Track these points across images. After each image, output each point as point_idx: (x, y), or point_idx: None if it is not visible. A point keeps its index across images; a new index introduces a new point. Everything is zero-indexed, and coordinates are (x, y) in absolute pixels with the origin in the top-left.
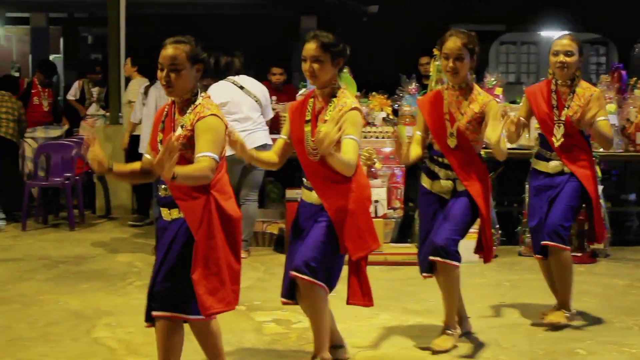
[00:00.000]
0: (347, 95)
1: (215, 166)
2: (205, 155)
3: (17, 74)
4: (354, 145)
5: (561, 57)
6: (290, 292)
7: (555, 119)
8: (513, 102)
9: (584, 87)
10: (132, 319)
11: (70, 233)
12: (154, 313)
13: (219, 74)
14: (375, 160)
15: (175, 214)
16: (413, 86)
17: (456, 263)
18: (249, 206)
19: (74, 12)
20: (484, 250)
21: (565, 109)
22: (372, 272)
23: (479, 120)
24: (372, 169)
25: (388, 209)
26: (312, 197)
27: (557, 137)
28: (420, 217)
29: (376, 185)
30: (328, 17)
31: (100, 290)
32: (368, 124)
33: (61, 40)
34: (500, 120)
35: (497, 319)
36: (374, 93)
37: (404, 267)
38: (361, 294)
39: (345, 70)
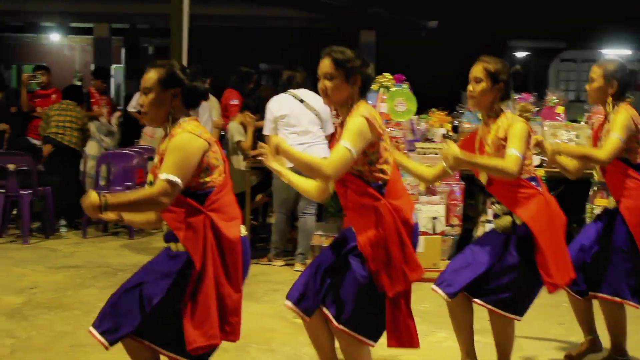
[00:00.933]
0: (353, 113)
1: (171, 190)
2: (160, 179)
3: (79, 83)
4: (341, 151)
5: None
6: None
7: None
8: (574, 120)
9: (615, 112)
10: None
11: (129, 241)
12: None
13: (281, 88)
14: None
15: (181, 247)
16: None
17: None
18: (307, 219)
19: (136, 23)
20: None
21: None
22: (428, 289)
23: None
24: (431, 186)
25: (446, 225)
26: None
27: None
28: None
29: (434, 202)
30: (386, 32)
31: None
32: (427, 140)
33: (123, 50)
34: (522, 140)
35: (555, 343)
36: (433, 109)
37: None
38: (400, 335)
39: (405, 86)
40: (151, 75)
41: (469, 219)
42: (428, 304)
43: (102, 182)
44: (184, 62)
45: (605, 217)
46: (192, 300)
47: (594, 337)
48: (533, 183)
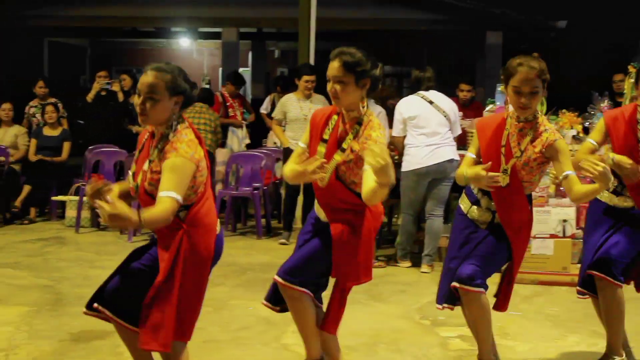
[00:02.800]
0: (374, 126)
1: (177, 208)
2: (167, 196)
3: (207, 87)
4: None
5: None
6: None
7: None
8: None
9: None
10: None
11: (257, 241)
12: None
13: (411, 88)
14: None
15: None
16: (605, 104)
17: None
18: (434, 221)
19: (263, 27)
20: (498, 297)
21: None
22: (558, 292)
23: (540, 162)
24: (561, 188)
25: (576, 228)
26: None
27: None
28: (450, 238)
29: (564, 205)
30: (514, 33)
31: None
32: None
33: (250, 54)
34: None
35: None
36: (564, 110)
37: None
38: (335, 322)
39: None
40: (158, 81)
41: None
42: (558, 307)
43: (231, 183)
44: (312, 63)
45: None
46: (152, 306)
47: None
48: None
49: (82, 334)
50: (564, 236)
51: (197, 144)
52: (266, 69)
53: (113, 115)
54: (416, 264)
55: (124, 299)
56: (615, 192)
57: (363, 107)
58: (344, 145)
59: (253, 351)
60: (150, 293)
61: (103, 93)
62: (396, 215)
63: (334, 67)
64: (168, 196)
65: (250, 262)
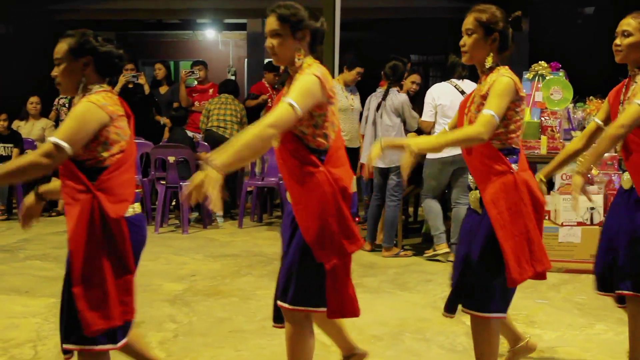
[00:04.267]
0: (312, 67)
1: (55, 153)
2: (48, 141)
3: (232, 77)
4: (284, 108)
5: (617, 40)
6: None
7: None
8: None
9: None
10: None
11: None
12: None
13: (444, 75)
14: (592, 166)
15: None
16: None
17: None
18: (460, 209)
19: None
20: None
21: (625, 101)
22: (586, 280)
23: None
24: (589, 175)
25: (604, 216)
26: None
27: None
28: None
29: (592, 192)
30: (540, 19)
31: None
32: (584, 129)
33: None
34: (502, 98)
35: None
36: (591, 97)
37: None
38: (341, 307)
39: (561, 74)
40: (61, 46)
41: None
42: (585, 295)
43: (257, 172)
44: (336, 54)
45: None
46: (85, 283)
47: None
48: (509, 158)
49: None
50: (592, 224)
51: (116, 102)
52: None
53: (139, 107)
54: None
55: None
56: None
57: (299, 60)
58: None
59: (279, 341)
60: (75, 272)
61: (130, 86)
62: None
63: (269, 22)
64: (48, 140)
65: (276, 252)
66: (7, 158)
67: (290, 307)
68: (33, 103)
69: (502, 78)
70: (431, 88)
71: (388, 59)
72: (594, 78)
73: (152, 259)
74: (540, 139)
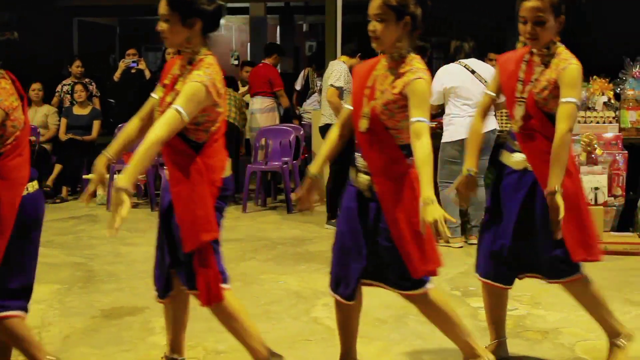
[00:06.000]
0: (201, 65)
1: None
2: None
3: (236, 62)
4: (173, 116)
5: (528, 27)
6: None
7: (517, 95)
8: None
9: (561, 58)
10: None
11: (287, 215)
12: None
13: (449, 58)
14: (595, 146)
15: None
16: (638, 69)
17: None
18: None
19: (290, 1)
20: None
21: (531, 83)
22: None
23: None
24: (593, 155)
25: (608, 196)
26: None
27: (516, 119)
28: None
29: (596, 172)
30: None
31: (317, 271)
32: (588, 108)
33: (278, 28)
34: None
35: None
36: (595, 77)
37: (626, 257)
38: (207, 292)
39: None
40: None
41: (633, 188)
42: (590, 276)
43: (260, 158)
44: (339, 38)
45: None
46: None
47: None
48: (405, 153)
49: (114, 310)
50: (596, 204)
51: (11, 89)
52: (295, 44)
53: (141, 92)
54: None
55: None
56: (510, 148)
57: (188, 48)
58: (177, 87)
59: (283, 324)
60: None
61: (133, 71)
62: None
63: (160, 5)
64: None
65: (281, 236)
66: None
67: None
68: (35, 90)
69: (418, 81)
70: (439, 71)
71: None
72: (599, 56)
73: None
74: None
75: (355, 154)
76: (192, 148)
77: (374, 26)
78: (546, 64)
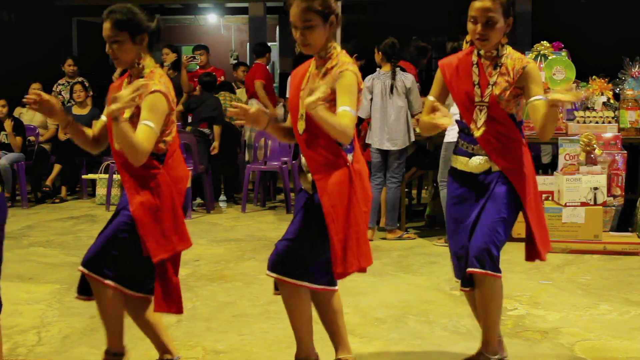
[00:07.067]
0: (155, 79)
1: None
2: None
3: (234, 62)
4: (148, 131)
5: (478, 27)
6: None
7: (477, 99)
8: None
9: (513, 58)
10: (347, 300)
11: (287, 215)
12: None
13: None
14: (595, 146)
15: None
16: (637, 69)
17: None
18: None
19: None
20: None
21: (490, 86)
22: (590, 261)
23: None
24: (592, 155)
25: (608, 196)
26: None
27: (479, 124)
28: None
29: (595, 172)
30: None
31: None
32: (587, 108)
33: (277, 28)
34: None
35: None
36: (594, 77)
37: (625, 257)
38: (165, 301)
39: (563, 54)
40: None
41: (631, 188)
42: (589, 276)
43: (259, 157)
44: (338, 37)
45: None
46: None
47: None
48: (344, 149)
49: None
50: (595, 204)
51: None
52: (294, 44)
53: None
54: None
55: None
56: (467, 153)
57: (139, 64)
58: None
59: (282, 325)
60: None
61: None
62: (425, 187)
63: (105, 28)
64: None
65: (280, 235)
66: (7, 146)
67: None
68: (35, 90)
69: (343, 72)
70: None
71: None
72: (598, 57)
73: None
74: None
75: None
76: (156, 160)
77: (304, 34)
78: (500, 66)
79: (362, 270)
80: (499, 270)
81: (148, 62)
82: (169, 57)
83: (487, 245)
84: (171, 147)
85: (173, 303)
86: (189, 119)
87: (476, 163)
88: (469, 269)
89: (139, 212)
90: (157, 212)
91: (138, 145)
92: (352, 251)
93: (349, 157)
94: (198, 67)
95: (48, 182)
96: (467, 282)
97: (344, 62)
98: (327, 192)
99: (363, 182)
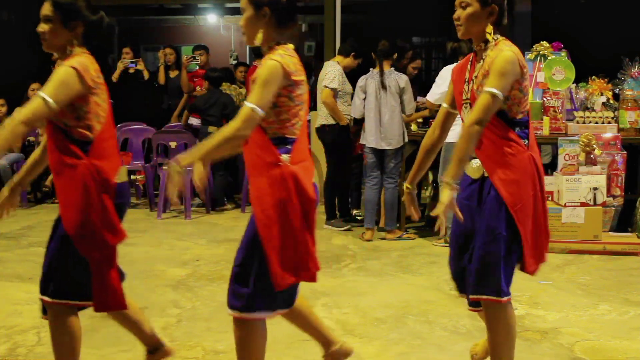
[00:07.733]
0: (74, 58)
1: None
2: None
3: (234, 62)
4: (36, 101)
5: (456, 13)
6: None
7: (464, 97)
8: None
9: (496, 50)
10: (347, 300)
11: None
12: None
13: (448, 59)
14: (594, 146)
15: None
16: (637, 69)
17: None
18: None
19: None
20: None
21: (472, 81)
22: (589, 261)
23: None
24: (591, 156)
25: (607, 196)
26: None
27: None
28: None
29: (595, 172)
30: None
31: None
32: (587, 109)
33: None
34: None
35: None
36: (593, 77)
37: (624, 257)
38: (104, 300)
39: (563, 54)
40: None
41: (631, 188)
42: (589, 276)
43: None
44: (337, 37)
45: None
46: None
47: None
48: (280, 148)
49: None
50: (595, 204)
51: None
52: (294, 43)
53: (140, 93)
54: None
55: None
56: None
57: (70, 50)
58: None
59: (282, 324)
60: None
61: (131, 71)
62: (425, 187)
63: (43, 7)
64: None
65: None
66: None
67: (51, 300)
68: (34, 89)
69: (269, 62)
70: (444, 71)
71: (392, 42)
72: (598, 57)
73: (155, 244)
74: (542, 119)
75: None
76: (79, 147)
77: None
78: (483, 59)
79: (303, 280)
80: (502, 294)
81: (78, 51)
82: (172, 57)
83: (482, 268)
84: (100, 136)
85: (113, 301)
86: (190, 120)
87: (473, 167)
88: (471, 296)
89: (64, 210)
90: (85, 208)
91: (19, 114)
92: (289, 260)
93: (284, 157)
94: (198, 67)
95: (48, 182)
96: (474, 303)
97: (275, 55)
98: (256, 197)
99: (300, 183)
